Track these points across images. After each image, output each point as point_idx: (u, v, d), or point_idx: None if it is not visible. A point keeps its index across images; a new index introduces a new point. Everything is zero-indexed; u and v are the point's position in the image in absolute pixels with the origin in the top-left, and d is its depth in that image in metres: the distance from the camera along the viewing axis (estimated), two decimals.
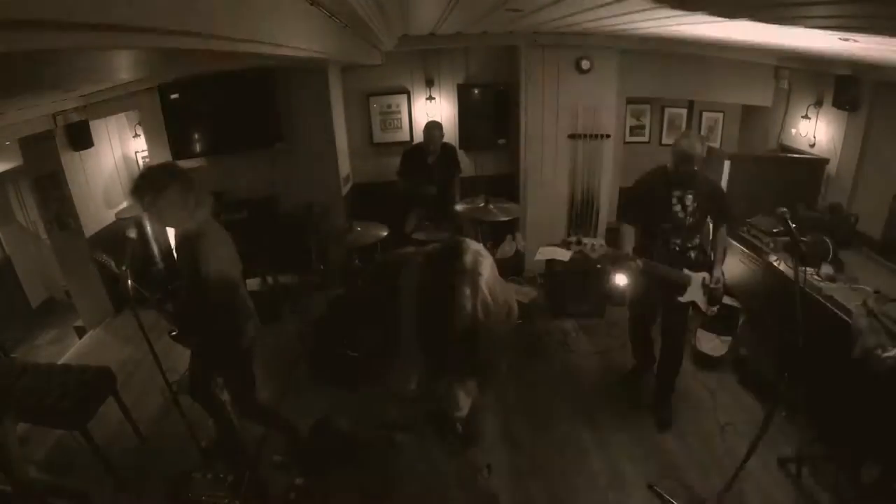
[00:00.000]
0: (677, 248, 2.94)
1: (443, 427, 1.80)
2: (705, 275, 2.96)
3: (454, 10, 2.89)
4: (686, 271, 2.92)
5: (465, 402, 1.56)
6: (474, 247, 1.46)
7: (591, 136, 4.79)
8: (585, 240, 2.82)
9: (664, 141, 5.82)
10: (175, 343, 2.50)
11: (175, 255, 2.43)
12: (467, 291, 1.35)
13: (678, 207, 2.88)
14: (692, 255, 2.96)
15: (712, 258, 3.01)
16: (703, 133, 5.71)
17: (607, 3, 2.32)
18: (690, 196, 2.86)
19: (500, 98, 5.18)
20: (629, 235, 3.03)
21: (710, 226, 3.07)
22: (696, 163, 2.76)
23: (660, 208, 2.90)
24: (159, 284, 2.51)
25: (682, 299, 2.95)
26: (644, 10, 2.47)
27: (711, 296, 2.99)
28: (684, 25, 2.97)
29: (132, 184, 2.22)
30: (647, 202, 2.95)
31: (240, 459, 2.83)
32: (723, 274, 2.99)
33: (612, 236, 5.00)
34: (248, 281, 3.93)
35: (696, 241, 2.96)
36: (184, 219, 2.21)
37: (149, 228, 4.67)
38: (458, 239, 1.50)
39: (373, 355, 1.90)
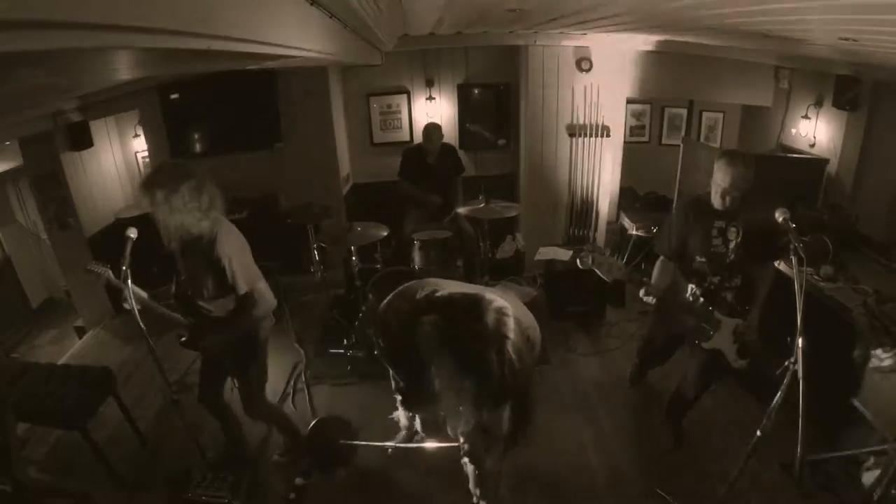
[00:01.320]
0: (713, 287, 2.51)
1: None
2: (739, 322, 2.50)
3: (453, 9, 2.89)
4: (716, 315, 2.49)
5: (494, 459, 1.56)
6: (497, 304, 1.37)
7: (591, 135, 4.79)
8: (600, 258, 2.38)
9: (664, 141, 5.83)
10: (179, 345, 2.47)
11: (178, 257, 2.35)
12: (493, 357, 1.28)
13: (718, 241, 2.47)
14: (728, 296, 2.52)
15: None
16: (701, 137, 5.71)
17: (606, 4, 2.32)
18: (735, 229, 2.44)
19: (500, 98, 5.18)
20: (664, 273, 2.66)
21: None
22: (738, 189, 2.34)
23: (696, 239, 2.52)
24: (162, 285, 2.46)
25: (704, 345, 2.55)
26: (644, 10, 2.47)
27: (742, 346, 2.52)
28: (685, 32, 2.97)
29: (144, 180, 2.13)
30: (683, 232, 2.58)
31: (243, 461, 2.83)
32: (757, 321, 2.52)
33: (613, 236, 5.05)
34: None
35: (737, 281, 2.52)
36: (197, 218, 2.14)
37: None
38: (478, 296, 1.40)
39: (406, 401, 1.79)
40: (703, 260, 2.52)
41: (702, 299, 2.47)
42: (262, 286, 2.34)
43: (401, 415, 2.45)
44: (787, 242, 2.02)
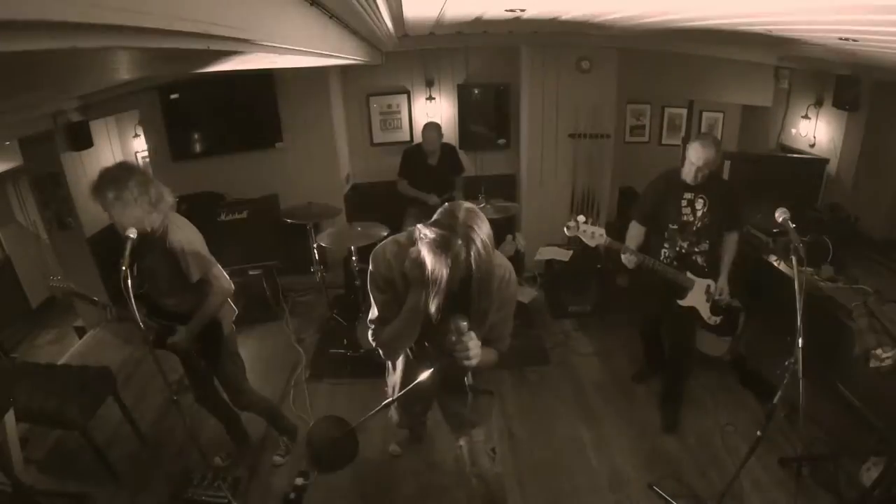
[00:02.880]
0: (683, 251, 2.90)
1: (453, 381, 1.80)
2: (710, 282, 2.90)
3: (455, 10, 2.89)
4: (689, 275, 2.87)
5: (474, 349, 1.59)
6: (467, 205, 1.55)
7: (591, 136, 4.78)
8: (584, 226, 2.70)
9: (664, 141, 5.83)
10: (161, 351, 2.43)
11: (136, 258, 2.28)
12: (458, 242, 1.45)
13: (687, 210, 2.84)
14: (698, 259, 2.91)
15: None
16: (705, 131, 5.70)
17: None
18: (702, 200, 2.81)
19: (500, 98, 5.18)
20: (635, 235, 2.99)
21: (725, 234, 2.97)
22: (708, 167, 2.71)
23: (668, 209, 2.87)
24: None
25: (681, 303, 2.91)
26: (643, 11, 2.47)
27: (714, 304, 2.93)
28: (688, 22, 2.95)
29: (93, 185, 2.17)
30: (656, 202, 2.92)
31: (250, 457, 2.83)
32: (728, 283, 2.91)
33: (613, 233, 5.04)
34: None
35: (705, 246, 2.89)
36: (147, 211, 2.19)
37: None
38: (454, 200, 1.61)
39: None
40: (675, 227, 2.87)
41: (675, 262, 2.89)
42: (217, 271, 2.39)
43: (393, 413, 2.48)
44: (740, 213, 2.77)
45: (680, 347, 3.04)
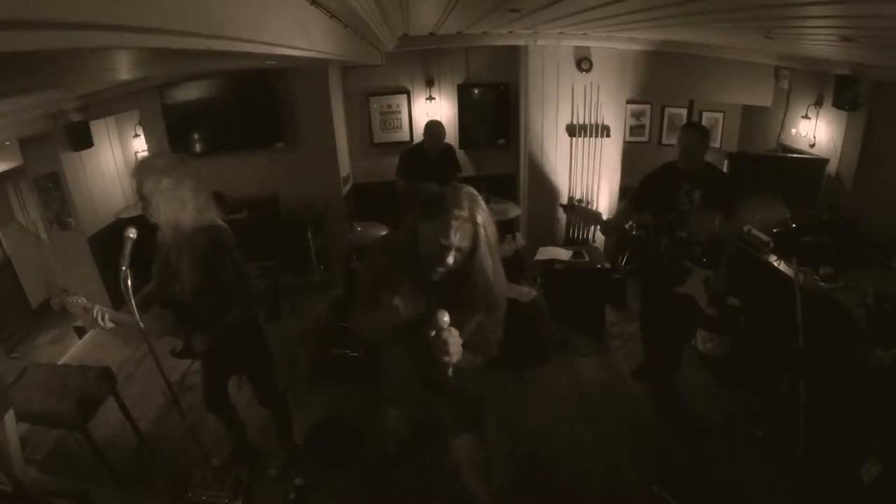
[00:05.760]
0: (680, 240, 2.98)
1: (435, 381, 1.77)
2: (709, 273, 2.97)
3: (454, 10, 2.89)
4: (687, 264, 2.96)
5: (454, 346, 1.49)
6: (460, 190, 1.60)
7: (591, 135, 4.79)
8: (582, 208, 2.81)
9: (664, 141, 5.83)
10: (171, 356, 2.37)
11: (167, 251, 2.25)
12: (462, 213, 1.53)
13: (685, 200, 2.93)
14: (697, 249, 2.99)
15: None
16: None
17: (607, 3, 2.32)
18: (699, 192, 2.89)
19: (500, 98, 5.18)
20: (620, 210, 3.17)
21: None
22: (699, 155, 2.83)
23: (666, 198, 2.96)
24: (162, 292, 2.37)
25: (678, 290, 2.99)
26: (644, 10, 2.47)
27: (712, 295, 2.99)
28: (685, 26, 2.96)
29: (144, 164, 2.06)
30: (655, 192, 3.03)
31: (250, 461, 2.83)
32: (726, 274, 2.98)
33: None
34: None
35: (702, 236, 2.99)
36: (192, 216, 2.10)
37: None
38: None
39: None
40: (674, 216, 2.97)
41: (671, 249, 2.98)
42: (250, 284, 2.31)
43: (391, 413, 2.47)
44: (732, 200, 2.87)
45: (674, 336, 3.16)
